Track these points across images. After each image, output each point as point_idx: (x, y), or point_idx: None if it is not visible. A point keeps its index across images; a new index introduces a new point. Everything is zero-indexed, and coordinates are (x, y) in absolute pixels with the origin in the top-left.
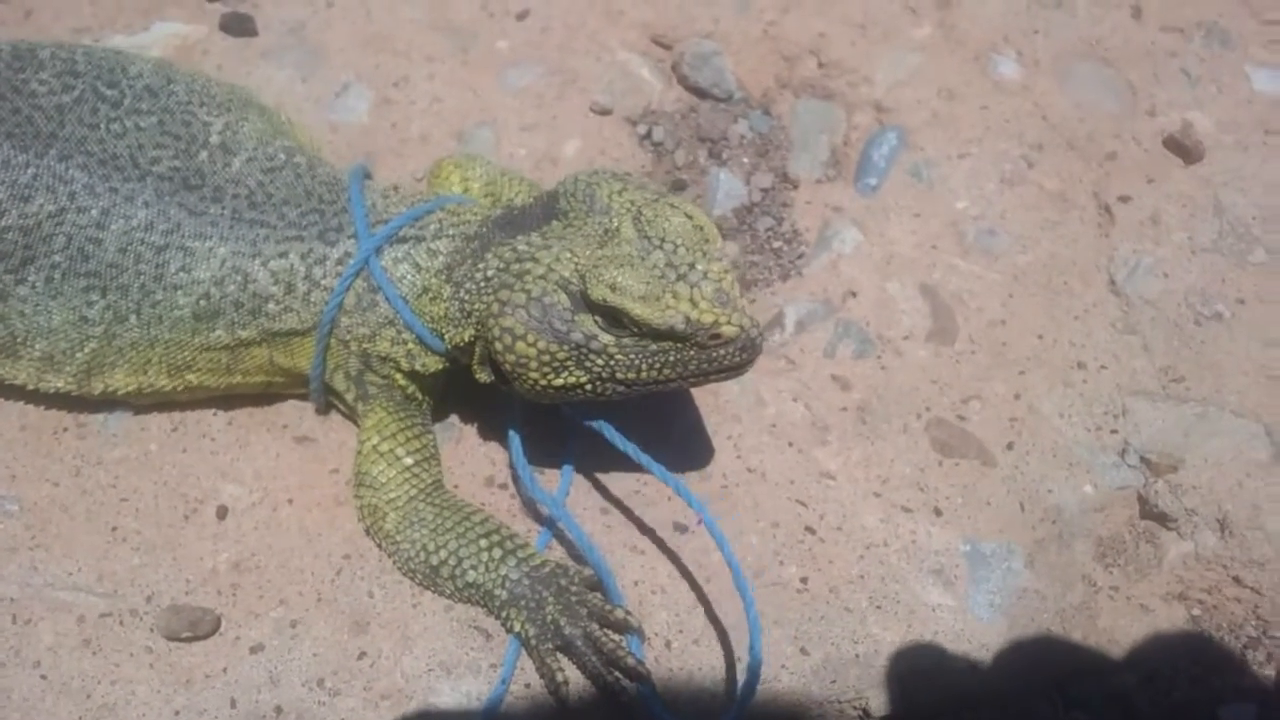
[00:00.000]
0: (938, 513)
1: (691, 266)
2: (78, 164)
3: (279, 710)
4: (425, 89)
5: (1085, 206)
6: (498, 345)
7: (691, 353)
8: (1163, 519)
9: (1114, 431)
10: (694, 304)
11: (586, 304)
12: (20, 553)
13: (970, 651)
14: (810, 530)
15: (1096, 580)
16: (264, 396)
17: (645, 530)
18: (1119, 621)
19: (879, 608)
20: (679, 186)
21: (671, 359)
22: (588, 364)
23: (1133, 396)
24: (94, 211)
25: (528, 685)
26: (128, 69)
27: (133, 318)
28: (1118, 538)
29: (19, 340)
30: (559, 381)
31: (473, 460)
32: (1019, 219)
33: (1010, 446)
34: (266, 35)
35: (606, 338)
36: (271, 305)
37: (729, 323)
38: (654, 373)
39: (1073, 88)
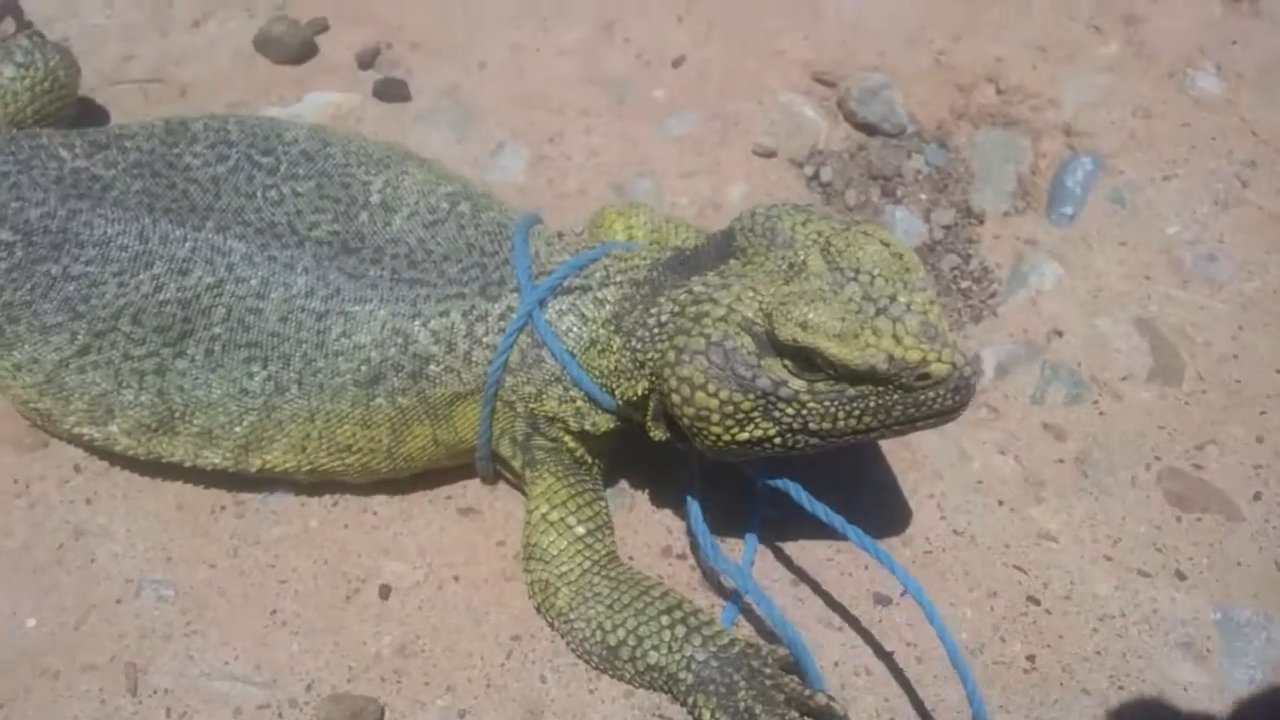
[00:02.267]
0: (1180, 576)
1: (893, 299)
2: (235, 234)
3: None
4: (581, 142)
5: None
6: (675, 398)
7: (896, 396)
8: None
9: None
10: (898, 340)
11: (774, 346)
12: (175, 640)
13: None
14: (1034, 600)
15: None
16: (429, 472)
17: (842, 604)
18: None
19: (1122, 688)
20: None
21: (873, 404)
22: (776, 414)
23: None
24: (253, 281)
25: None
26: (283, 135)
27: (294, 388)
28: None
29: (176, 415)
30: (744, 436)
31: (648, 529)
32: (1240, 243)
33: (1257, 497)
34: (420, 99)
35: (798, 383)
36: (433, 367)
37: (939, 360)
38: (853, 421)
39: None
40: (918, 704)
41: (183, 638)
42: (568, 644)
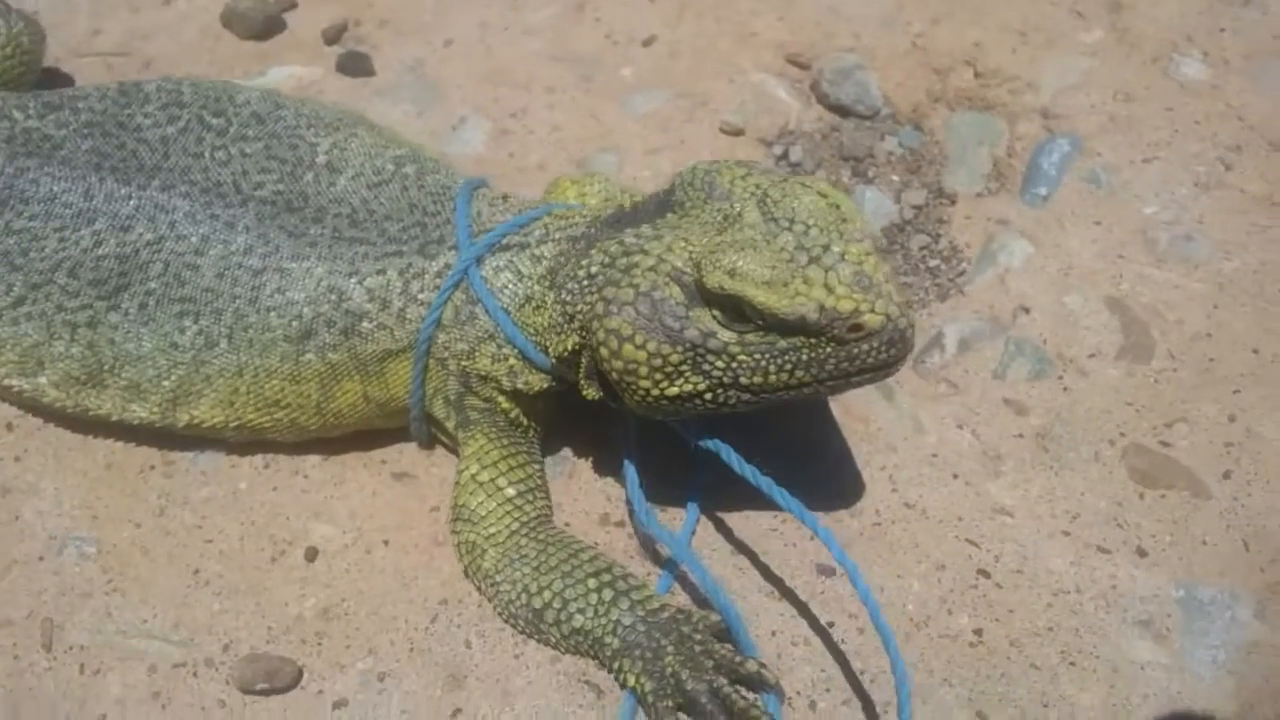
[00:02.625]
0: (1141, 553)
1: (826, 248)
2: (180, 193)
3: None
4: (545, 118)
5: None
6: (603, 351)
7: (828, 349)
8: None
9: None
10: (829, 290)
11: (703, 296)
12: (95, 597)
13: (1192, 718)
14: (984, 574)
15: None
16: (364, 435)
17: (784, 573)
18: None
19: (1073, 664)
20: None
21: (805, 358)
22: (706, 367)
23: None
24: (193, 238)
25: None
26: (234, 97)
27: (223, 343)
28: None
29: (106, 368)
30: (673, 390)
31: (587, 496)
32: (1220, 223)
33: (1227, 475)
34: (384, 74)
35: (727, 335)
36: (365, 324)
37: (872, 310)
38: (784, 375)
39: (1271, 86)
40: (854, 675)
41: (103, 595)
42: (494, 607)
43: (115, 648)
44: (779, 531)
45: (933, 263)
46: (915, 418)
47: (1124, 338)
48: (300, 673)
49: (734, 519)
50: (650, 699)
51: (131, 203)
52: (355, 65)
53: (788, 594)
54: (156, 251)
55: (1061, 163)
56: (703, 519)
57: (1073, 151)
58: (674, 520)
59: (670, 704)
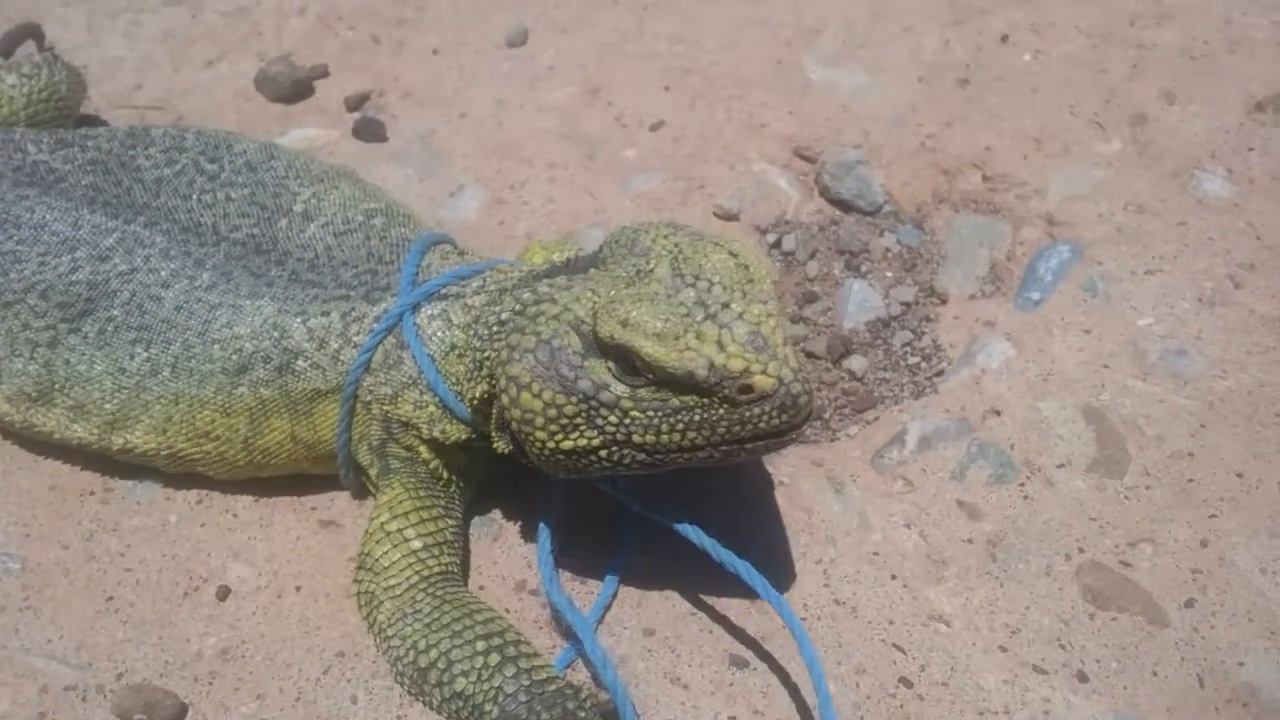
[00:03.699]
0: (1082, 678)
1: (725, 306)
2: (161, 230)
3: None
4: (542, 191)
5: None
6: (504, 398)
7: (721, 411)
8: None
9: None
10: (721, 347)
11: (599, 346)
12: (8, 613)
13: None
14: (906, 683)
15: None
16: (298, 480)
17: (695, 661)
18: None
19: None
20: (809, 299)
21: (697, 418)
22: (599, 421)
23: None
24: (163, 272)
25: None
26: (233, 146)
27: (166, 370)
28: None
29: (56, 387)
30: (568, 444)
31: (507, 561)
32: (1219, 341)
33: (1189, 604)
34: (395, 141)
35: (620, 388)
36: (300, 362)
37: (764, 372)
38: (677, 435)
39: None
40: None
41: (16, 611)
42: (385, 662)
43: (15, 664)
44: (697, 616)
45: (913, 360)
46: (862, 513)
47: (1098, 450)
48: (185, 710)
49: (654, 598)
50: None
51: (114, 235)
52: (369, 131)
53: (693, 683)
54: (126, 282)
55: (1059, 269)
56: (622, 594)
57: (1072, 259)
58: (594, 593)
59: None
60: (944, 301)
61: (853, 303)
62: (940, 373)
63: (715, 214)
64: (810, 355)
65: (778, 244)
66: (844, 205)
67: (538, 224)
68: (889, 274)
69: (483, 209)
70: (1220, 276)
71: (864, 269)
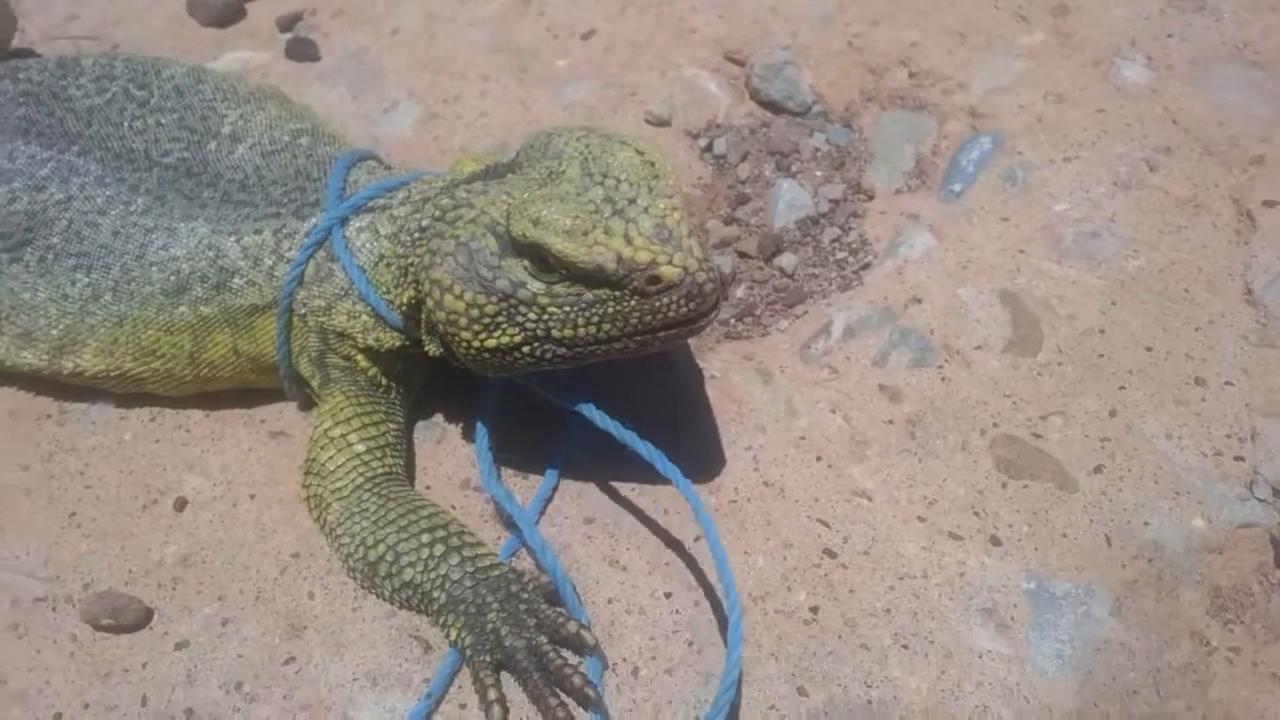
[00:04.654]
0: (995, 542)
1: (631, 201)
2: (95, 158)
3: (189, 713)
4: (475, 105)
5: (1220, 212)
6: (429, 302)
7: (632, 303)
8: None
9: (1239, 458)
10: (628, 241)
11: (514, 246)
12: None
13: (1027, 711)
14: (830, 554)
15: (1210, 639)
16: (247, 395)
17: (632, 544)
18: (1240, 692)
19: (905, 647)
20: (740, 200)
21: (610, 311)
22: (520, 318)
23: (1267, 419)
24: (98, 199)
25: (463, 706)
26: (161, 72)
27: (108, 295)
28: (1242, 588)
29: (3, 316)
30: (492, 342)
31: (452, 461)
32: (1132, 222)
33: (1098, 469)
34: (328, 59)
35: (536, 285)
36: (236, 280)
37: (669, 262)
38: (593, 329)
39: (1212, 91)
40: (682, 646)
41: None
42: (338, 560)
43: None
44: (634, 504)
45: (840, 255)
46: (790, 401)
47: (1013, 331)
48: (150, 614)
49: (593, 489)
50: (469, 653)
51: (49, 165)
52: (301, 51)
53: (631, 564)
54: (64, 210)
55: (981, 160)
56: (563, 487)
57: (993, 149)
58: (536, 487)
59: (488, 659)
60: (871, 197)
61: (783, 202)
62: (866, 266)
63: (647, 120)
64: (742, 254)
65: (709, 148)
66: (774, 107)
67: (472, 137)
68: (818, 173)
69: (416, 124)
70: (1136, 161)
71: (794, 169)
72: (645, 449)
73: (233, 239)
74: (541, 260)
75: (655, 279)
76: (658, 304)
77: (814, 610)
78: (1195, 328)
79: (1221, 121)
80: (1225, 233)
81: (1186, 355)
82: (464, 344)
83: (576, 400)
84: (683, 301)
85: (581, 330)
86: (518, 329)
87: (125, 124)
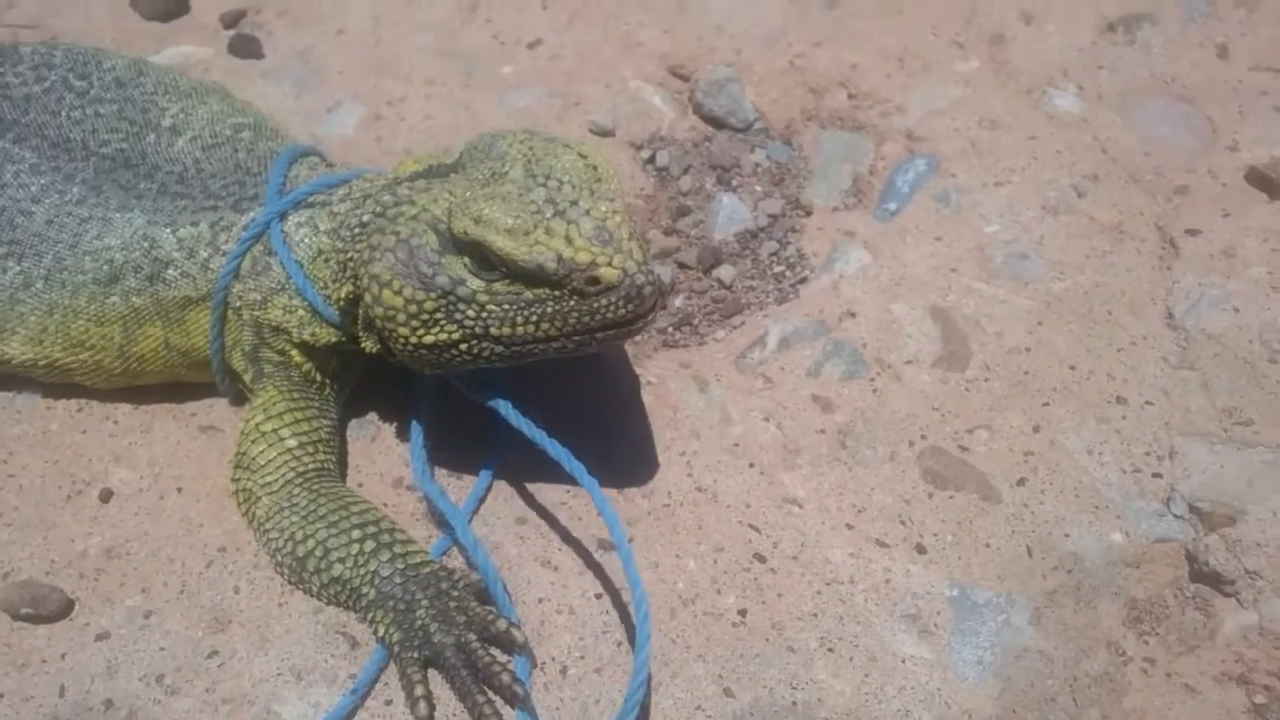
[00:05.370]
0: (920, 550)
1: (573, 204)
2: (31, 147)
3: (108, 704)
4: (419, 108)
5: (1144, 239)
6: (367, 297)
7: (571, 303)
8: (1217, 581)
9: (1157, 475)
10: (569, 241)
11: (455, 243)
12: None
13: (947, 716)
14: (760, 558)
15: (1126, 649)
16: (178, 389)
17: (565, 545)
18: (1154, 702)
19: (831, 650)
20: (681, 212)
21: (549, 310)
22: (458, 316)
23: (1184, 438)
24: (33, 188)
25: (389, 702)
26: (102, 63)
27: (40, 283)
28: (1157, 600)
29: None
30: (430, 339)
31: (385, 459)
32: (1059, 246)
33: (1021, 483)
34: (272, 57)
35: (476, 283)
36: (170, 271)
37: (609, 264)
38: (531, 327)
39: (1140, 122)
40: (612, 646)
41: None
42: (266, 555)
43: None
44: (568, 505)
45: (778, 268)
46: (724, 409)
47: (943, 346)
48: (71, 605)
49: (526, 490)
50: (397, 649)
51: None
52: (245, 48)
53: (563, 565)
54: None
55: (915, 181)
56: (496, 489)
57: (928, 171)
58: (469, 487)
59: (416, 655)
60: (809, 213)
61: (723, 215)
62: (803, 280)
63: (591, 130)
64: (682, 265)
65: (652, 159)
66: (716, 122)
67: (415, 140)
68: (758, 188)
69: (360, 125)
70: (1065, 187)
71: (735, 183)
72: (553, 448)
73: (168, 230)
74: (482, 258)
75: (595, 280)
76: (596, 305)
77: (742, 613)
78: (1118, 349)
79: (1148, 152)
80: (1149, 258)
81: (1109, 375)
82: (401, 340)
83: (492, 396)
84: (621, 303)
85: (520, 329)
86: (456, 326)
87: (63, 113)
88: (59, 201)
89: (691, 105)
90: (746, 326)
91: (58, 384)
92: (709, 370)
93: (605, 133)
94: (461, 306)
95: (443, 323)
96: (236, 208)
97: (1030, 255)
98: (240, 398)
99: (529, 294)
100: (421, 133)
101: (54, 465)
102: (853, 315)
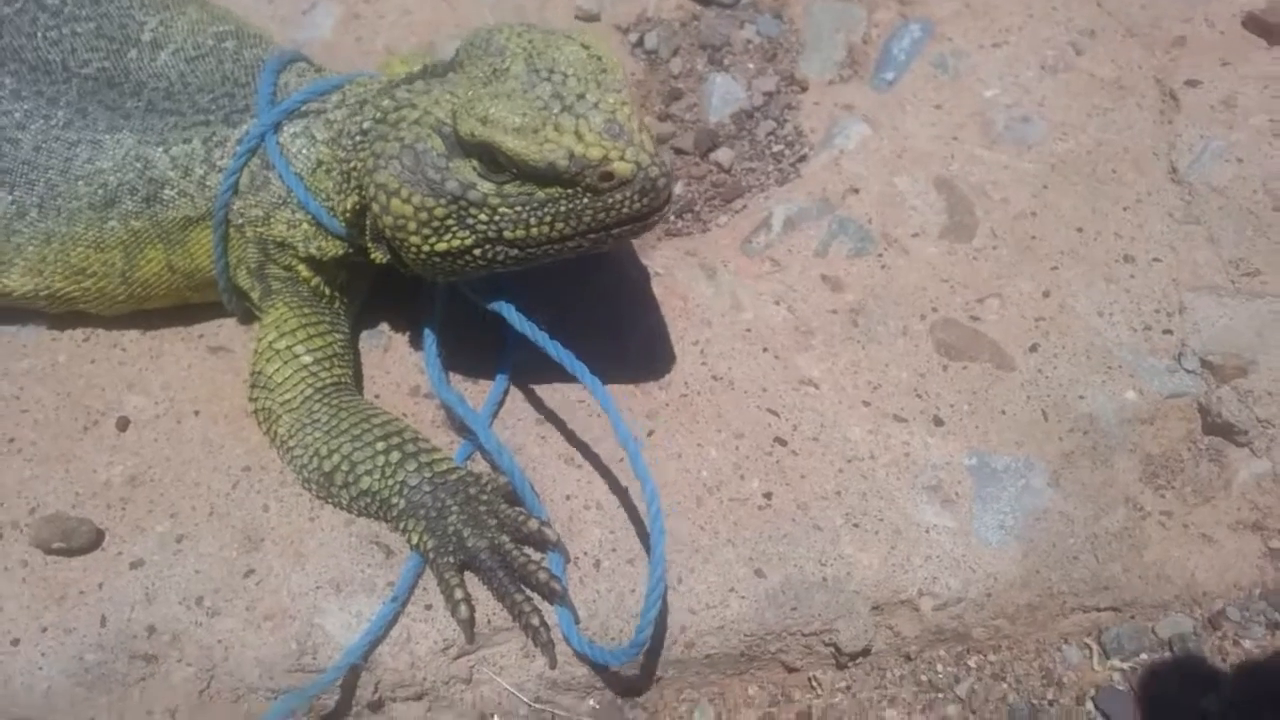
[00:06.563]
0: (938, 422)
1: (580, 97)
2: (9, 71)
3: (151, 630)
4: (397, 3)
5: (1145, 93)
6: (375, 207)
7: (585, 200)
8: (1229, 432)
9: (1167, 331)
10: (579, 137)
11: (461, 146)
12: None
13: (973, 581)
14: (780, 442)
15: (1144, 504)
16: (184, 311)
17: (586, 442)
18: (1172, 553)
19: (856, 525)
20: (674, 96)
21: (563, 209)
22: (470, 220)
23: (1193, 292)
24: (17, 114)
25: (428, 607)
26: None
27: (33, 212)
28: (1172, 455)
29: None
30: (442, 246)
31: (400, 369)
32: (1061, 106)
33: (1034, 348)
34: None
35: (487, 186)
36: (167, 191)
37: (622, 158)
38: (545, 228)
39: None
40: (642, 537)
41: None
42: (292, 472)
43: None
44: (586, 402)
45: (777, 148)
46: (734, 295)
47: (948, 217)
48: (101, 535)
49: (543, 390)
50: (432, 555)
51: None
52: None
53: (586, 461)
54: None
55: (911, 48)
56: (513, 391)
57: (923, 37)
58: (486, 391)
59: (451, 560)
60: (804, 89)
61: (717, 96)
62: (803, 158)
63: (577, 16)
64: (679, 151)
65: (640, 42)
66: None
67: (396, 37)
68: (751, 65)
69: (337, 25)
70: (1062, 44)
71: (726, 62)
72: (555, 349)
73: (160, 149)
74: (491, 160)
75: (608, 175)
76: (611, 200)
77: (767, 496)
78: (1123, 207)
79: (1144, 4)
80: (1150, 113)
81: (1115, 234)
82: (413, 249)
83: (494, 299)
84: (636, 197)
85: (534, 230)
86: (469, 231)
87: (39, 34)
88: (44, 127)
89: None
90: (749, 210)
91: (62, 314)
92: (715, 257)
93: (591, 17)
94: (473, 211)
95: (455, 229)
96: (228, 121)
97: (1032, 118)
98: (248, 316)
99: (541, 194)
100: (402, 29)
101: (66, 397)
102: (856, 191)
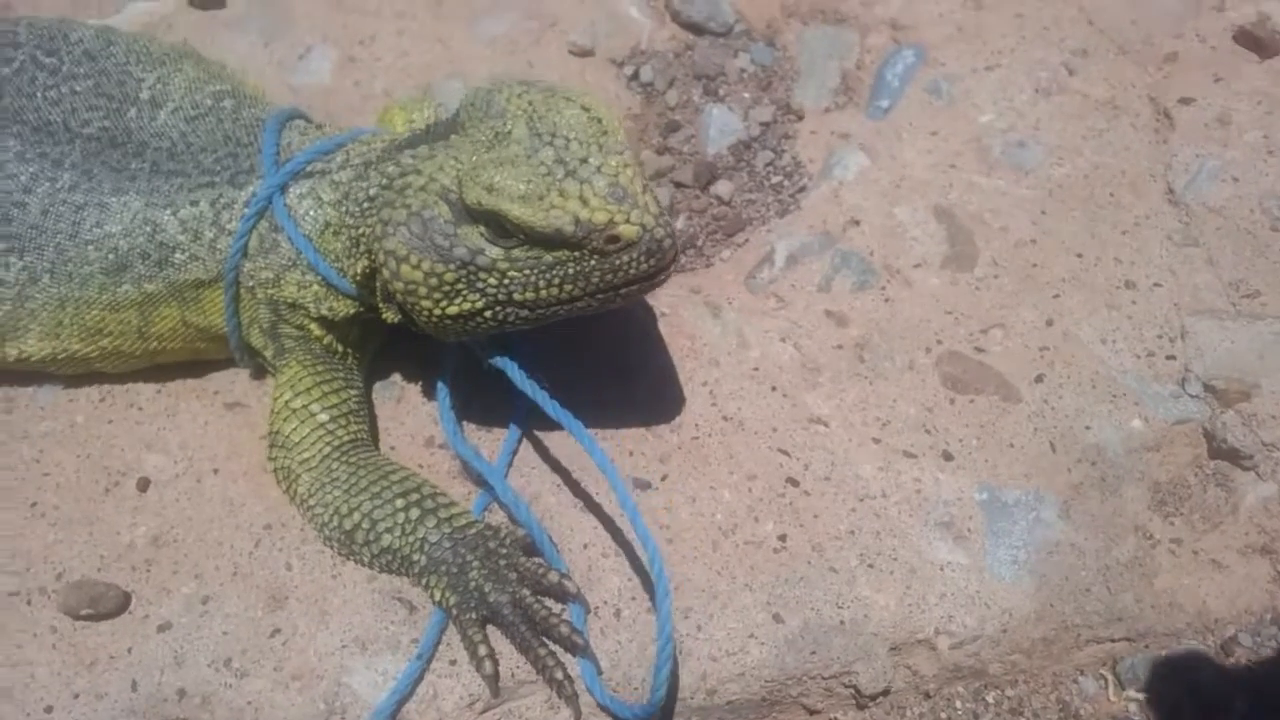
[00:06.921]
0: (947, 457)
1: (584, 161)
2: (13, 134)
3: (182, 693)
4: (393, 45)
5: (1139, 112)
6: (385, 272)
7: (592, 262)
8: (1235, 456)
9: (1170, 357)
10: (584, 202)
11: (468, 213)
12: None
13: (988, 617)
14: (793, 482)
15: (1153, 532)
16: (197, 365)
17: (601, 489)
18: (1183, 581)
19: (871, 566)
20: (671, 128)
21: (571, 272)
22: (480, 285)
23: (1194, 316)
24: (22, 178)
25: (453, 662)
26: (69, 36)
27: (46, 277)
28: (1179, 481)
29: None
30: (454, 309)
31: (414, 420)
32: (1056, 129)
33: (1039, 379)
34: (235, 6)
35: (494, 251)
36: (179, 255)
37: (627, 221)
38: (555, 290)
39: None
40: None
41: None
42: (313, 530)
43: None
44: (601, 449)
45: (776, 179)
46: (740, 333)
47: (949, 246)
48: (128, 598)
49: (555, 439)
50: (455, 611)
51: None
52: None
53: (601, 509)
54: None
55: (905, 74)
56: (527, 440)
57: (916, 62)
58: (500, 441)
59: (474, 616)
60: (800, 117)
61: (714, 128)
62: (802, 189)
63: (571, 52)
64: (679, 184)
65: (635, 75)
66: (696, 28)
67: (394, 80)
68: (746, 95)
69: (335, 70)
70: (1055, 65)
71: (722, 92)
72: (554, 409)
73: (168, 212)
74: (498, 226)
75: (614, 238)
76: (618, 262)
77: (782, 538)
78: (1122, 231)
79: (1135, 19)
80: (1145, 133)
81: (1115, 259)
82: (424, 312)
83: (496, 354)
84: (643, 258)
85: (544, 292)
86: (479, 295)
87: (39, 94)
88: (51, 190)
89: (669, 13)
90: (751, 243)
91: (77, 374)
92: (720, 294)
93: (585, 52)
94: (483, 275)
95: (465, 293)
96: (234, 183)
97: (1027, 142)
98: (261, 371)
99: (549, 257)
100: (399, 71)
101: (86, 459)
102: (856, 223)
